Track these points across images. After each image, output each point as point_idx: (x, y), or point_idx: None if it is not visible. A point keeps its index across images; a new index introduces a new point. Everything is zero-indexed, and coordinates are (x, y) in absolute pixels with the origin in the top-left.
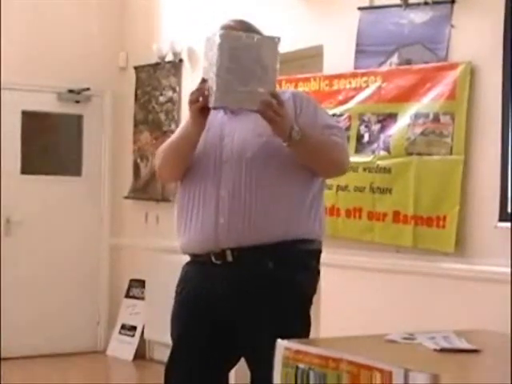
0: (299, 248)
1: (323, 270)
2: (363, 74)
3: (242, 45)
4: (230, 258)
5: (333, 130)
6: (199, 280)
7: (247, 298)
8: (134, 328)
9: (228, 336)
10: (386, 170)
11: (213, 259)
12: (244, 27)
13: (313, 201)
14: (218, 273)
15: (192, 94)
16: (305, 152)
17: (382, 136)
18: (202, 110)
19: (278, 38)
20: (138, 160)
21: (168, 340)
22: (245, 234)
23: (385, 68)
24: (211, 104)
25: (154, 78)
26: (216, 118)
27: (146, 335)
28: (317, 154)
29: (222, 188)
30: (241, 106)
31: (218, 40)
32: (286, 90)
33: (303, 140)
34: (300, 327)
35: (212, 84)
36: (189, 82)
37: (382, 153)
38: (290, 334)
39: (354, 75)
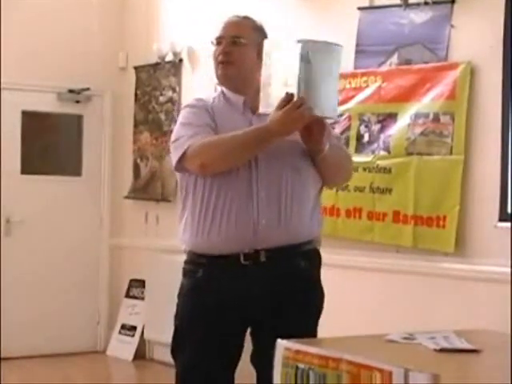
0: (316, 246)
1: (323, 270)
2: (363, 74)
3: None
4: (263, 259)
5: (338, 141)
6: (226, 281)
7: (279, 298)
8: (134, 328)
9: (242, 336)
10: (386, 170)
11: (242, 260)
12: (249, 23)
13: (318, 202)
14: (247, 273)
15: (304, 107)
16: (330, 162)
17: (382, 136)
18: None
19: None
20: (138, 160)
21: (168, 340)
22: (281, 235)
23: (385, 68)
24: (326, 113)
25: (154, 78)
26: (243, 117)
27: (145, 335)
28: (334, 163)
29: (260, 189)
30: (326, 115)
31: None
32: None
33: (329, 154)
34: (317, 325)
35: (310, 93)
36: (189, 82)
37: (382, 153)
38: (314, 332)
39: (353, 75)
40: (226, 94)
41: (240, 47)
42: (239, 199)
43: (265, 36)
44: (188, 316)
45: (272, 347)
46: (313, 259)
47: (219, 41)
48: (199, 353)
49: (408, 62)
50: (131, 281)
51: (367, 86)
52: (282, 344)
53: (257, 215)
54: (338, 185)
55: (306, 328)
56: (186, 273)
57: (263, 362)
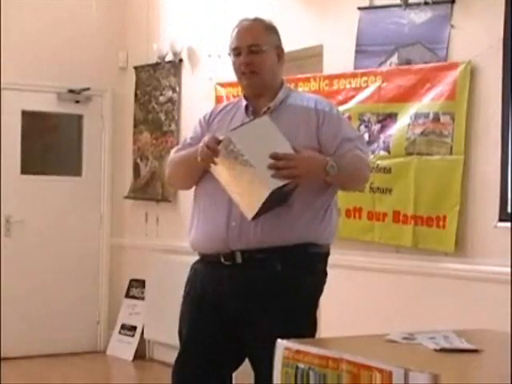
0: (307, 251)
1: None
2: (363, 74)
3: (226, 155)
4: (239, 260)
5: (354, 143)
6: (208, 279)
7: (254, 299)
8: (134, 328)
9: (233, 336)
10: (386, 170)
11: (222, 260)
12: (261, 25)
13: (326, 209)
14: (226, 273)
15: (206, 154)
16: (339, 178)
17: (382, 136)
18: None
19: (232, 129)
20: (138, 160)
21: (168, 340)
22: (255, 237)
23: (385, 68)
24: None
25: (154, 78)
26: (234, 123)
27: (145, 335)
28: (348, 175)
29: None
30: (264, 199)
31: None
32: (309, 96)
33: (339, 171)
34: (306, 328)
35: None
36: (189, 82)
37: (382, 153)
38: (296, 335)
39: (353, 75)
40: (241, 100)
41: (260, 54)
42: (216, 201)
43: (277, 34)
44: (180, 312)
45: (255, 347)
46: (294, 262)
47: (237, 51)
48: (186, 349)
49: (408, 62)
50: (131, 281)
51: (367, 86)
52: (282, 344)
53: (228, 217)
54: (352, 190)
55: (288, 330)
56: None
57: (255, 361)
